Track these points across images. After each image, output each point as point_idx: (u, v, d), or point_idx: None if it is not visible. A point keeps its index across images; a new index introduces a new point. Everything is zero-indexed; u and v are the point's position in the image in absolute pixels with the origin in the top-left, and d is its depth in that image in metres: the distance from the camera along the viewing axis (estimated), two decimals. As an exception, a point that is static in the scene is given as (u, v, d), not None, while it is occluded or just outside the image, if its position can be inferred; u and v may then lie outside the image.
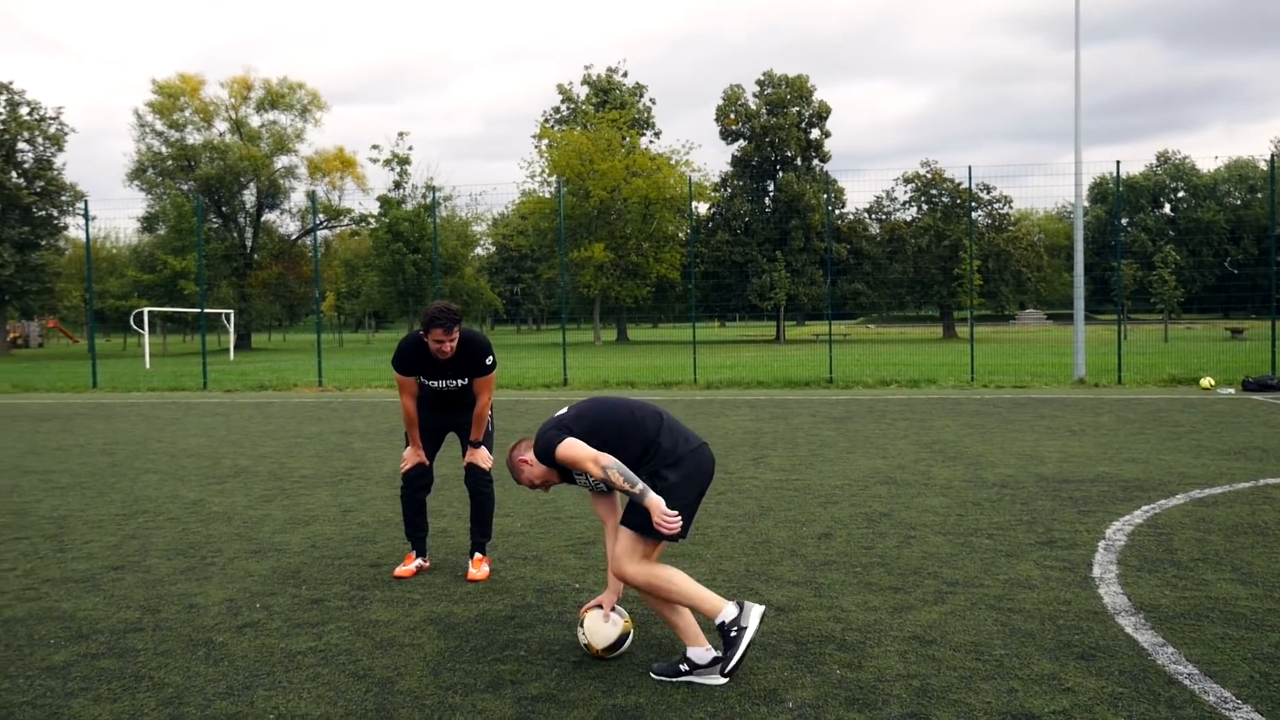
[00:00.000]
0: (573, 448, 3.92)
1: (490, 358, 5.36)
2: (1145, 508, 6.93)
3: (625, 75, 63.29)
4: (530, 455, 4.19)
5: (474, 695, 3.74)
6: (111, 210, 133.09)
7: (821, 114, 56.88)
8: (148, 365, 34.31)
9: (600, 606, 4.16)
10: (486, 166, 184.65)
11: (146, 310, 37.73)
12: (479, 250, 72.04)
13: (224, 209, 55.55)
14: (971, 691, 3.65)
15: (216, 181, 53.19)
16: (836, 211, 55.08)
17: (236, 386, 21.92)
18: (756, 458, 9.68)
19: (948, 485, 7.96)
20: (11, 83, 54.05)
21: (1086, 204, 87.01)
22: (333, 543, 6.38)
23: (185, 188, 54.03)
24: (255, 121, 56.22)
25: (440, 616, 4.73)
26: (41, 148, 54.42)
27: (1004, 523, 6.52)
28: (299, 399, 18.64)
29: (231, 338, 44.69)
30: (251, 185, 55.20)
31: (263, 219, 57.76)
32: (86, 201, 24.14)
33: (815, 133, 57.25)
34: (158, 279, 49.80)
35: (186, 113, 54.86)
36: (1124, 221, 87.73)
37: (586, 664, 4.05)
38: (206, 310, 45.30)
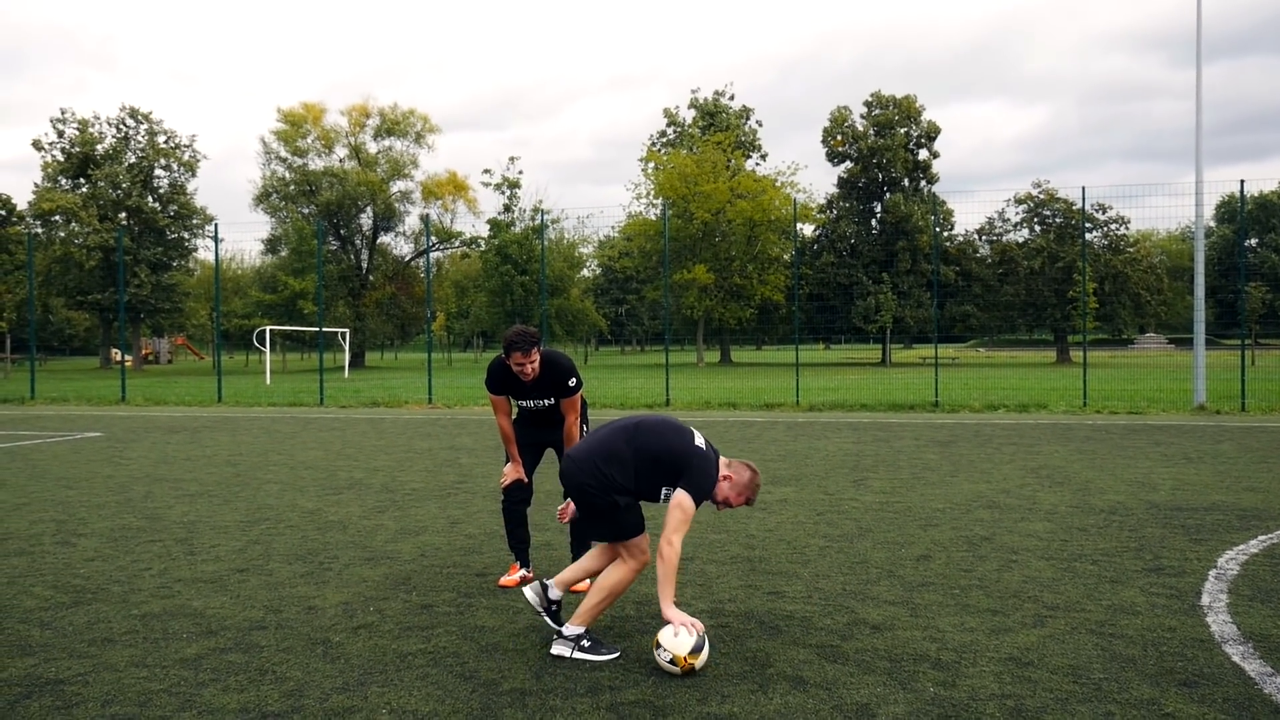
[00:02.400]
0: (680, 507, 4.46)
1: (573, 379, 5.54)
2: (1262, 537, 6.70)
3: (732, 98, 63.55)
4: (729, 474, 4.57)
5: (573, 699, 3.89)
6: (238, 233, 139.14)
7: (930, 134, 56.08)
8: (268, 381, 35.77)
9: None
10: (596, 190, 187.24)
11: (268, 329, 39.32)
12: (584, 272, 72.99)
13: (342, 232, 57.63)
14: (1067, 713, 3.63)
15: (335, 206, 55.24)
16: (945, 233, 54.13)
17: (351, 403, 22.72)
18: (857, 480, 9.65)
19: (1053, 510, 7.82)
20: (150, 113, 57.29)
21: (1211, 224, 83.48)
22: (441, 552, 6.63)
23: (306, 212, 56.24)
24: (372, 148, 58.26)
25: (542, 625, 4.90)
26: (176, 173, 57.46)
27: (1110, 549, 6.39)
28: (409, 416, 19.23)
29: (347, 356, 46.24)
30: (368, 209, 57.12)
31: (378, 241, 59.71)
32: (216, 225, 25.40)
33: (923, 153, 56.47)
34: (279, 299, 51.89)
35: (309, 139, 57.18)
36: (1255, 242, 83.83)
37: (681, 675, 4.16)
38: (324, 329, 47.08)
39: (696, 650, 4.12)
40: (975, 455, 11.54)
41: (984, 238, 55.65)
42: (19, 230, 66.37)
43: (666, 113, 64.00)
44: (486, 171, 62.81)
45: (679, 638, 4.13)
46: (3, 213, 73.53)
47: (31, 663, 4.41)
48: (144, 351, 68.53)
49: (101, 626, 4.97)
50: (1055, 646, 4.41)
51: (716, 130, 58.32)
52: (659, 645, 4.17)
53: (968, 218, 62.41)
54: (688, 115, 63.30)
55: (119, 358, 61.61)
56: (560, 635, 4.44)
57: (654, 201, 54.89)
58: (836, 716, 3.65)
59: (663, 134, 64.26)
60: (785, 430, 15.08)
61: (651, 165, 57.45)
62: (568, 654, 4.37)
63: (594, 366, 54.26)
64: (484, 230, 58.53)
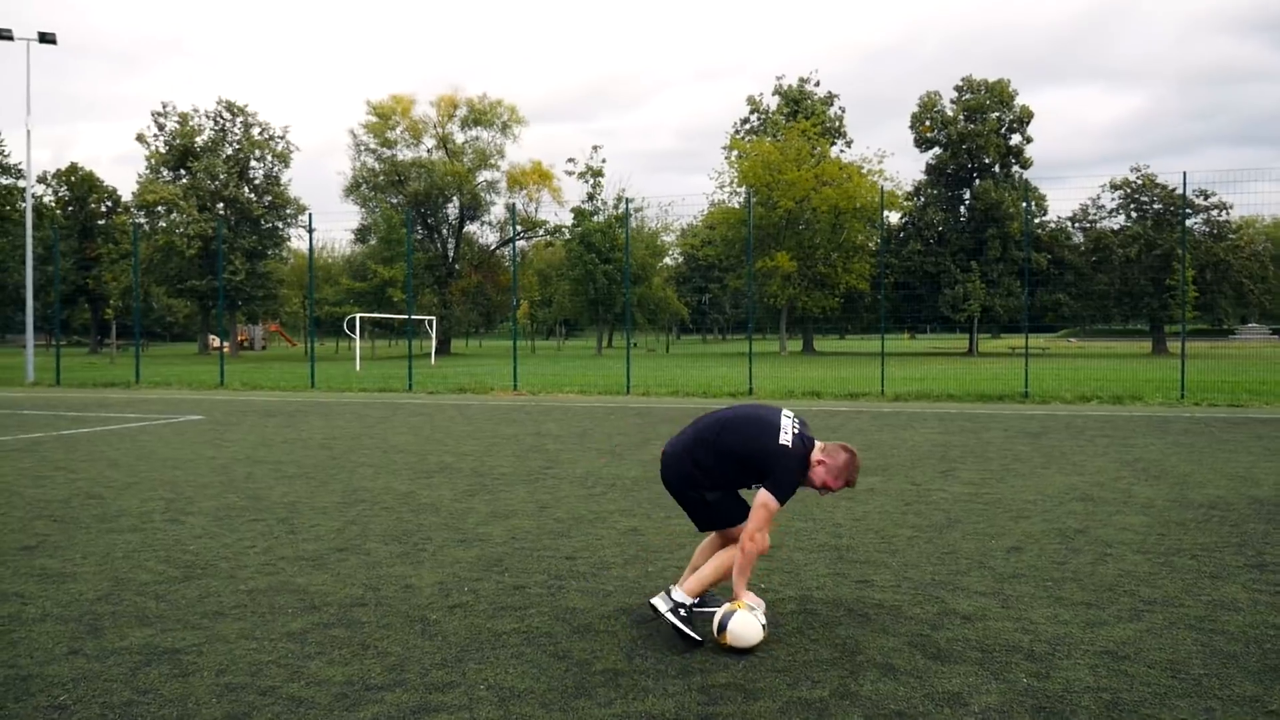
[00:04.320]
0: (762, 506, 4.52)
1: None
2: (1375, 536, 6.45)
3: (817, 85, 62.82)
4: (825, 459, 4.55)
5: (665, 680, 3.96)
6: (328, 223, 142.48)
7: (1023, 119, 54.70)
8: (358, 368, 36.67)
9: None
10: (681, 179, 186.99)
11: (358, 316, 40.27)
12: (666, 260, 73.09)
13: (429, 221, 58.64)
14: (1165, 708, 3.58)
15: (423, 196, 56.22)
16: (1037, 220, 52.78)
17: (439, 389, 23.18)
18: (945, 471, 9.54)
19: (1149, 504, 7.63)
20: (246, 105, 59.03)
21: (1322, 209, 79.70)
22: (531, 535, 6.77)
23: (395, 201, 57.35)
24: (459, 138, 59.09)
25: (632, 608, 4.99)
26: (270, 164, 59.13)
27: (1210, 544, 6.23)
28: (496, 402, 19.55)
29: (433, 343, 47.09)
30: (454, 199, 58.00)
31: (464, 230, 60.60)
32: (310, 215, 26.09)
33: (1016, 139, 55.13)
34: (368, 287, 53.10)
35: (398, 131, 58.27)
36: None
37: (771, 657, 4.20)
38: (409, 317, 48.04)
39: (722, 629, 4.28)
40: (1067, 447, 11.29)
41: (1077, 225, 54.12)
42: (124, 220, 69.13)
43: (750, 100, 63.58)
44: (571, 160, 63.13)
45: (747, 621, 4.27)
46: (109, 204, 76.72)
47: (149, 633, 4.65)
48: (240, 338, 70.79)
49: (212, 600, 5.20)
50: (1152, 641, 4.33)
51: (801, 117, 57.76)
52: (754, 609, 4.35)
53: (1060, 205, 60.48)
54: (772, 102, 62.80)
55: (217, 344, 63.82)
56: (666, 593, 4.55)
57: (737, 189, 54.65)
58: (928, 705, 3.65)
59: (746, 121, 63.87)
60: (870, 420, 14.95)
61: (735, 153, 57.17)
62: (663, 610, 4.48)
63: (676, 355, 54.35)
64: (568, 219, 59.06)
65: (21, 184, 41.28)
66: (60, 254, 47.36)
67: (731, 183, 55.29)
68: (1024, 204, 47.14)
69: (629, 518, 7.34)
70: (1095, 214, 53.47)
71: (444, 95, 58.41)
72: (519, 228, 58.16)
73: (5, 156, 40.78)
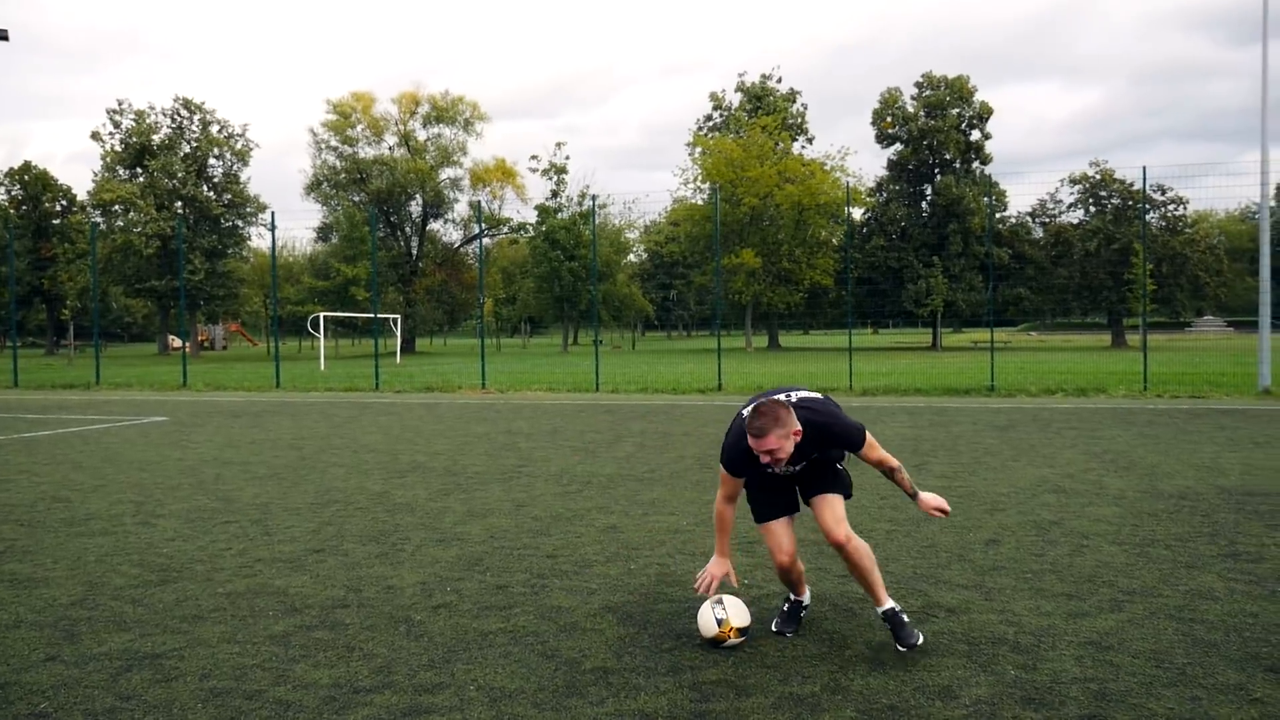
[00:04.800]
0: (876, 445, 4.32)
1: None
2: (1341, 524, 6.58)
3: (779, 81, 63.05)
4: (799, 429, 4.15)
5: (656, 678, 3.95)
6: (289, 221, 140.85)
7: (983, 115, 55.31)
8: (323, 367, 36.31)
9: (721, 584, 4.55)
10: (646, 176, 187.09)
11: (322, 315, 39.88)
12: (630, 257, 73.07)
13: (392, 219, 58.23)
14: (1153, 697, 3.63)
15: (385, 194, 55.80)
16: (998, 215, 53.38)
17: (405, 388, 23.01)
18: (917, 464, 9.61)
19: (1121, 495, 7.74)
20: (203, 103, 58.19)
21: (1275, 203, 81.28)
22: (509, 534, 6.73)
23: (357, 199, 56.85)
24: (422, 135, 58.70)
25: (617, 605, 4.98)
26: (229, 163, 58.35)
27: (1183, 534, 6.33)
28: (464, 400, 19.44)
29: (398, 342, 46.76)
30: (417, 196, 57.62)
31: (427, 228, 60.23)
32: (273, 213, 25.79)
33: (976, 134, 55.73)
34: (331, 285, 52.62)
35: (359, 129, 57.77)
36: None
37: (762, 653, 4.21)
38: (373, 315, 47.59)
39: (745, 631, 4.30)
40: (1036, 440, 11.43)
41: (1037, 220, 54.81)
42: (80, 219, 67.91)
43: (713, 96, 63.72)
44: (534, 158, 62.94)
45: (739, 609, 4.32)
46: (64, 203, 75.30)
47: (129, 638, 4.57)
48: (200, 338, 69.84)
49: (190, 604, 5.13)
50: (1135, 631, 4.39)
51: (762, 113, 57.98)
52: (720, 601, 4.33)
53: (1020, 200, 61.16)
54: (734, 99, 62.98)
55: (177, 344, 62.98)
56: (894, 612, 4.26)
57: (701, 186, 54.77)
58: (919, 698, 3.68)
59: (709, 118, 64.01)
60: (840, 415, 15.04)
61: (699, 150, 57.29)
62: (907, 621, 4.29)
63: (642, 352, 54.37)
64: (532, 216, 58.85)
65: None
66: (15, 254, 46.48)
67: (695, 179, 55.44)
68: (985, 200, 47.67)
69: (606, 515, 7.33)
70: (1054, 209, 54.19)
71: (406, 92, 58.08)
72: (483, 225, 57.91)
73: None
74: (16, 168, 74.36)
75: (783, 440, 4.06)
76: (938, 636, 4.37)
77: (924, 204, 55.81)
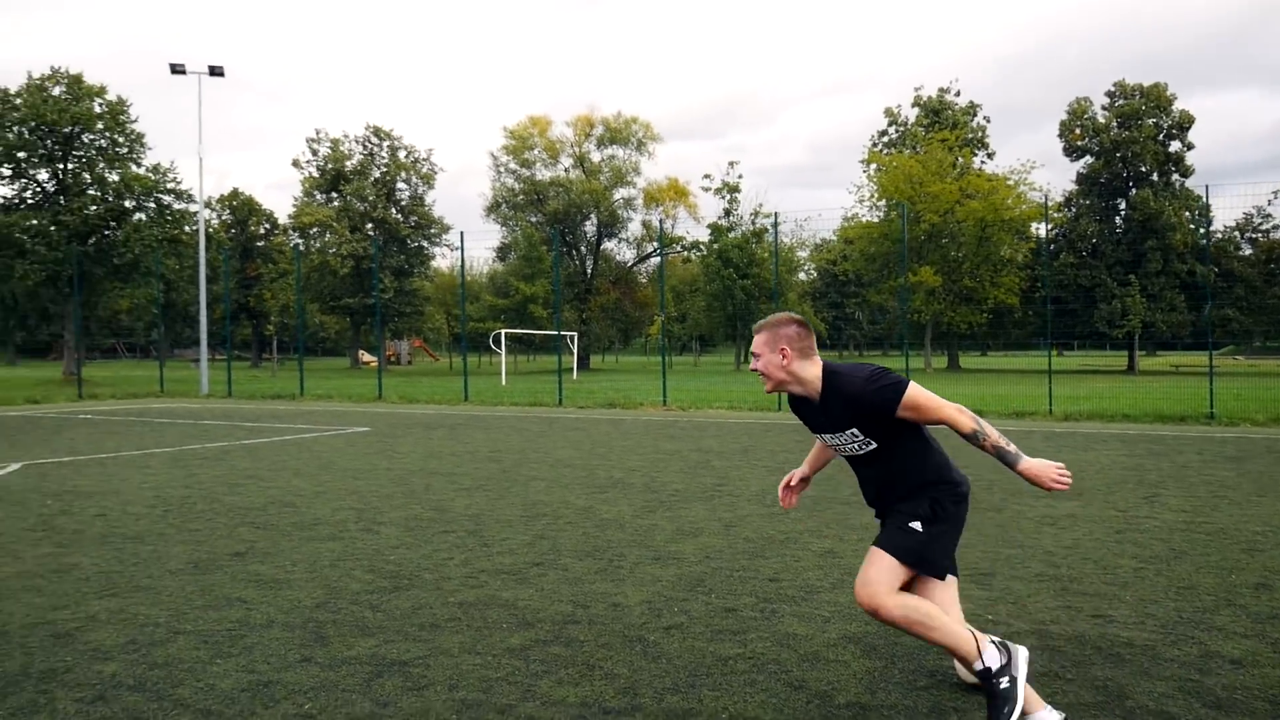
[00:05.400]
0: (929, 395, 3.55)
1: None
2: None
3: (958, 95, 61.20)
4: (789, 349, 3.70)
5: (917, 717, 3.72)
6: (470, 242, 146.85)
7: (1183, 125, 51.99)
8: (503, 382, 37.36)
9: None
10: (811, 194, 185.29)
11: (503, 332, 41.09)
12: (799, 275, 72.31)
13: (567, 238, 59.60)
14: None
15: (562, 214, 57.20)
16: (1201, 231, 50.00)
17: (587, 403, 23.34)
18: (1148, 496, 8.94)
19: (1401, 538, 6.94)
20: (392, 130, 61.24)
21: None
22: (724, 555, 6.60)
23: (534, 220, 58.49)
24: (596, 157, 59.95)
25: (857, 636, 4.76)
26: (415, 186, 61.15)
27: None
28: (647, 417, 19.52)
29: (575, 358, 47.70)
30: (592, 216, 58.80)
31: (601, 247, 61.34)
32: (462, 233, 26.72)
33: (1175, 145, 52.41)
34: (510, 304, 54.23)
35: (535, 151, 59.51)
36: None
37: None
38: (552, 333, 48.66)
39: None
40: (1278, 473, 10.47)
41: (1245, 235, 51.03)
42: (281, 241, 72.63)
43: (888, 112, 62.41)
44: (707, 177, 63.18)
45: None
46: (267, 226, 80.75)
47: (374, 643, 4.67)
48: (388, 353, 73.30)
49: (425, 612, 5.21)
50: None
51: (941, 128, 56.34)
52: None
53: (1225, 214, 57.17)
54: (910, 114, 61.51)
55: (367, 358, 66.32)
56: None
57: (876, 203, 53.64)
58: (1226, 758, 3.31)
59: (884, 134, 62.71)
60: (1043, 440, 14.26)
61: (874, 166, 56.18)
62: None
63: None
64: (703, 235, 59.04)
65: (193, 209, 43.71)
66: (226, 274, 50.06)
67: (871, 197, 54.34)
68: (1187, 214, 44.66)
69: (820, 539, 7.10)
70: (1263, 223, 50.31)
71: (580, 115, 59.45)
72: (655, 244, 58.50)
73: (178, 183, 43.31)
74: (226, 194, 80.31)
75: (765, 349, 3.76)
76: (1230, 691, 3.95)
77: (1118, 219, 52.87)
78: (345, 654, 4.51)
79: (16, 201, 41.38)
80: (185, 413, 21.75)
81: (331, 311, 62.42)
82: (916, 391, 3.54)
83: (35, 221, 40.10)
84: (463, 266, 26.54)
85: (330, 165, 59.58)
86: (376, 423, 18.37)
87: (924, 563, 3.67)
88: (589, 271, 60.68)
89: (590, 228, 60.24)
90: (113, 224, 41.81)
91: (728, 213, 58.01)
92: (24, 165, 41.01)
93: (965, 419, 3.56)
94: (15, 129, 39.69)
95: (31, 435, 16.12)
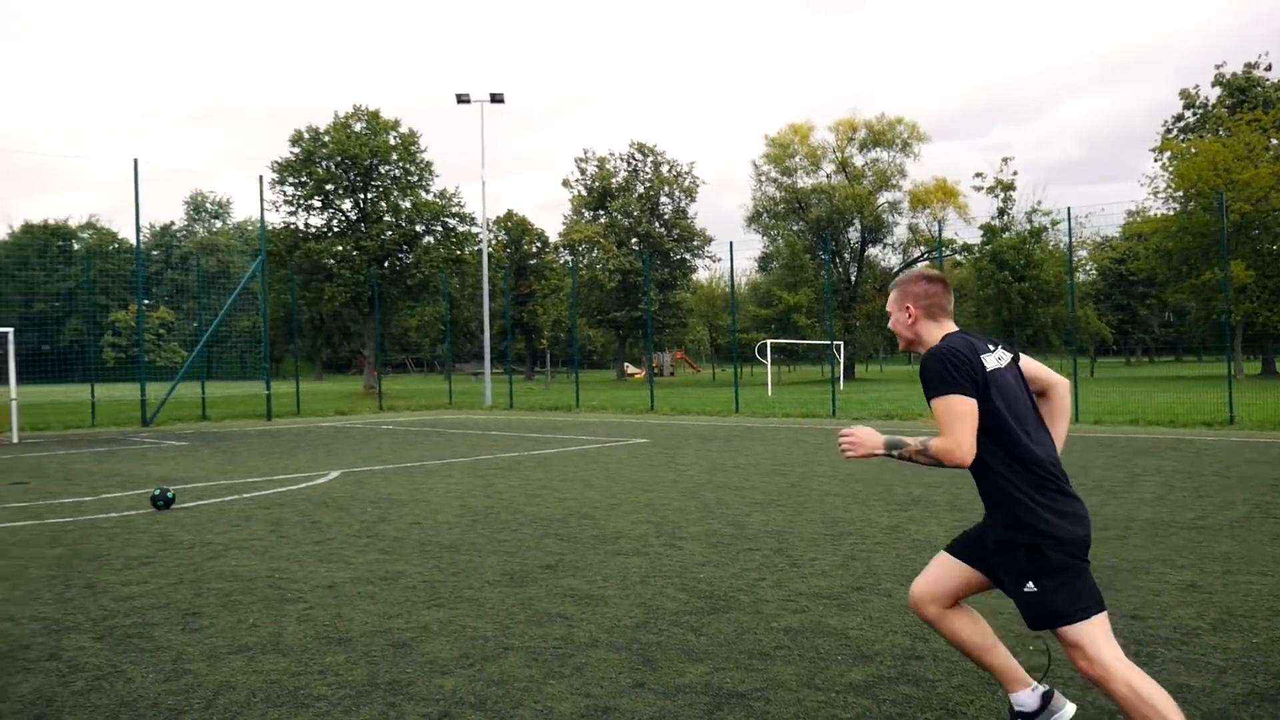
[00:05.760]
0: (951, 406, 3.11)
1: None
2: None
3: (1269, 69, 54.94)
4: (914, 307, 3.41)
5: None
6: (734, 253, 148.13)
7: None
8: (769, 393, 37.04)
9: None
10: (1085, 190, 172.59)
11: (769, 342, 40.83)
12: (1079, 276, 67.37)
13: (831, 246, 58.63)
14: None
15: (825, 221, 56.31)
16: None
17: (861, 414, 22.57)
18: None
19: None
20: (655, 145, 62.66)
21: None
22: (1067, 585, 5.89)
23: (795, 229, 57.95)
24: (859, 161, 58.58)
25: (1268, 691, 4.01)
26: (678, 199, 62.20)
27: None
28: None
29: (841, 367, 46.69)
30: (856, 222, 57.50)
31: (866, 254, 59.86)
32: (731, 244, 26.81)
33: None
34: (773, 314, 53.90)
35: (797, 159, 58.93)
36: None
37: None
38: (817, 342, 47.92)
39: None
40: None
41: None
42: (551, 259, 76.10)
43: (1184, 94, 56.99)
44: (978, 175, 60.25)
45: None
46: (538, 244, 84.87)
47: (704, 670, 4.43)
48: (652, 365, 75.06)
49: (750, 638, 4.92)
50: None
51: (1250, 108, 50.69)
52: None
53: None
54: (1211, 95, 55.84)
55: (630, 370, 68.13)
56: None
57: (1173, 195, 49.00)
58: None
59: (1179, 119, 57.29)
60: None
61: (1168, 155, 51.40)
62: None
63: (1104, 379, 49.64)
64: (973, 237, 56.24)
65: (475, 230, 46.53)
66: (503, 291, 52.91)
67: (1166, 187, 49.71)
68: None
69: (1176, 569, 6.24)
70: None
71: (841, 119, 58.26)
72: (923, 248, 56.37)
73: (461, 207, 46.25)
74: (501, 215, 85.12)
75: (893, 307, 3.50)
76: None
77: None
78: (677, 681, 4.29)
79: (325, 230, 45.59)
80: (473, 424, 22.92)
81: (598, 325, 64.56)
82: (935, 385, 3.17)
83: (340, 248, 44.01)
84: (732, 277, 26.55)
85: (597, 183, 61.73)
86: (654, 434, 18.53)
87: (1053, 618, 3.15)
88: (853, 279, 59.35)
89: (854, 234, 58.89)
90: (404, 247, 45.19)
91: (1001, 212, 54.92)
92: (331, 197, 45.11)
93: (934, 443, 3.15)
94: (324, 164, 43.76)
95: (344, 444, 17.44)
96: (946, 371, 3.14)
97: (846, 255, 59.44)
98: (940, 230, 50.52)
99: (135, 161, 24.10)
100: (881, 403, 26.92)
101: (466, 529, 8.25)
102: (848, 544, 7.29)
